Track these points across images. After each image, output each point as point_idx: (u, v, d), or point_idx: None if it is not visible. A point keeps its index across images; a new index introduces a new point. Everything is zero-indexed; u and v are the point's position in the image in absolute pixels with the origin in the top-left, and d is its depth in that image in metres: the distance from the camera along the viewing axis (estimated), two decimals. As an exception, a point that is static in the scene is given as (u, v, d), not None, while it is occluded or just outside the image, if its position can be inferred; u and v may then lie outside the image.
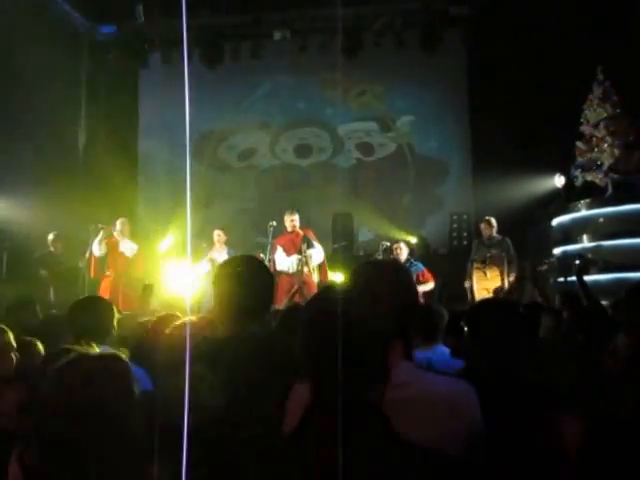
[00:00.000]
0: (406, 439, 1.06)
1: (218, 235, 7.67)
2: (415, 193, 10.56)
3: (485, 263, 7.43)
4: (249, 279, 1.90)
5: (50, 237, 7.79)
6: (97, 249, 7.48)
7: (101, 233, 7.50)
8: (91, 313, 2.57)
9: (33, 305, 3.75)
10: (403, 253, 7.36)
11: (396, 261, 6.73)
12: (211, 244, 7.75)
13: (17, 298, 4.15)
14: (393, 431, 1.06)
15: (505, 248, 7.45)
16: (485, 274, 7.42)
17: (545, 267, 7.96)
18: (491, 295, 7.15)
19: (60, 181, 8.93)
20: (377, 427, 1.06)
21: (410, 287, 1.56)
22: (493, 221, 7.63)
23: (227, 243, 7.73)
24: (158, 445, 1.75)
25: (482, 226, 7.73)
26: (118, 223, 7.72)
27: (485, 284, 7.38)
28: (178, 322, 3.13)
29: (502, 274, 7.33)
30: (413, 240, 8.99)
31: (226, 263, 2.09)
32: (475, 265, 7.48)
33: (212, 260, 7.46)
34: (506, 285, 7.28)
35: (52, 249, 7.80)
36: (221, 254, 7.46)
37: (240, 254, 2.16)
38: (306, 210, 8.97)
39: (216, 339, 2.00)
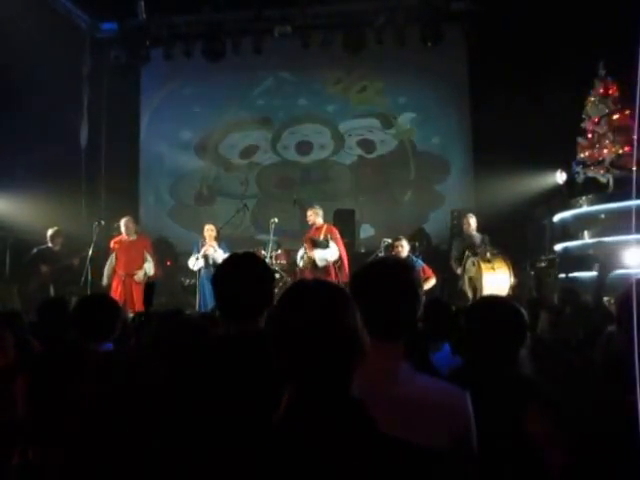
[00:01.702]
0: (390, 437, 1.06)
1: (210, 230, 7.64)
2: (416, 190, 10.56)
3: (491, 261, 7.35)
4: (250, 277, 1.91)
5: (49, 232, 7.74)
6: (105, 279, 7.66)
7: (108, 263, 7.70)
8: (97, 311, 2.57)
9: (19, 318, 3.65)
10: (404, 250, 7.37)
11: (405, 260, 6.72)
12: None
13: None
14: (377, 429, 1.06)
15: (488, 244, 7.55)
16: (493, 269, 7.30)
17: (545, 263, 7.96)
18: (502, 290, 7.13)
19: (62, 178, 8.95)
20: (360, 426, 1.06)
21: (417, 288, 1.56)
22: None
23: (218, 238, 7.70)
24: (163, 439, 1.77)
25: (470, 221, 7.76)
26: (122, 222, 7.81)
27: (494, 278, 7.29)
28: (182, 318, 3.15)
29: (509, 267, 7.29)
30: (414, 237, 8.99)
31: (227, 261, 2.09)
32: (482, 265, 7.34)
33: (206, 256, 7.48)
34: (513, 279, 7.24)
35: (51, 245, 7.76)
36: (215, 250, 7.49)
37: (235, 251, 2.16)
38: (307, 207, 8.98)
39: (218, 337, 2.01)
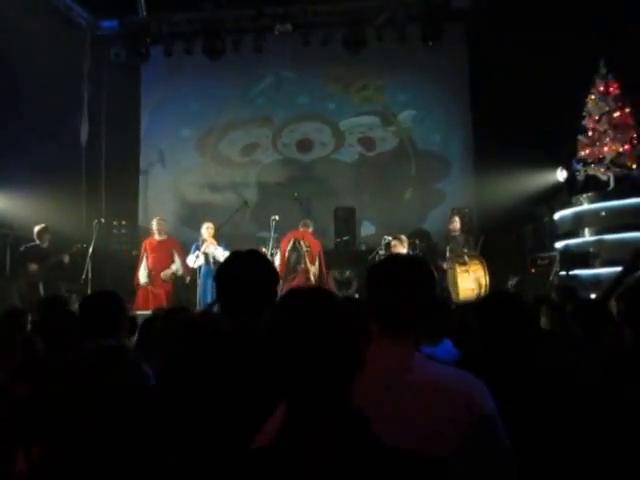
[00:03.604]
0: (391, 446, 1.03)
1: (208, 228, 7.72)
2: (417, 187, 10.55)
3: (466, 263, 7.61)
4: (253, 274, 1.91)
5: (36, 229, 7.52)
6: (143, 277, 7.94)
7: (143, 264, 7.98)
8: (103, 308, 2.55)
9: (25, 317, 3.65)
10: (398, 248, 7.41)
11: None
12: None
13: (9, 309, 4.10)
14: (376, 439, 1.03)
15: (472, 246, 7.83)
16: (468, 272, 7.58)
17: (546, 261, 7.98)
18: (476, 294, 7.33)
19: (62, 176, 8.95)
20: (359, 436, 1.03)
21: (433, 282, 1.58)
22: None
23: (216, 236, 7.80)
24: (162, 438, 1.77)
25: (453, 222, 8.14)
26: (154, 223, 8.21)
27: (469, 284, 7.57)
28: (183, 316, 3.16)
29: (484, 268, 7.54)
30: (414, 234, 9.01)
31: (230, 258, 2.09)
32: (458, 268, 7.67)
33: (206, 254, 7.52)
34: (487, 280, 7.47)
35: (38, 242, 7.54)
36: (215, 247, 7.58)
37: (236, 249, 2.15)
38: (308, 205, 8.99)
39: (218, 335, 2.01)
